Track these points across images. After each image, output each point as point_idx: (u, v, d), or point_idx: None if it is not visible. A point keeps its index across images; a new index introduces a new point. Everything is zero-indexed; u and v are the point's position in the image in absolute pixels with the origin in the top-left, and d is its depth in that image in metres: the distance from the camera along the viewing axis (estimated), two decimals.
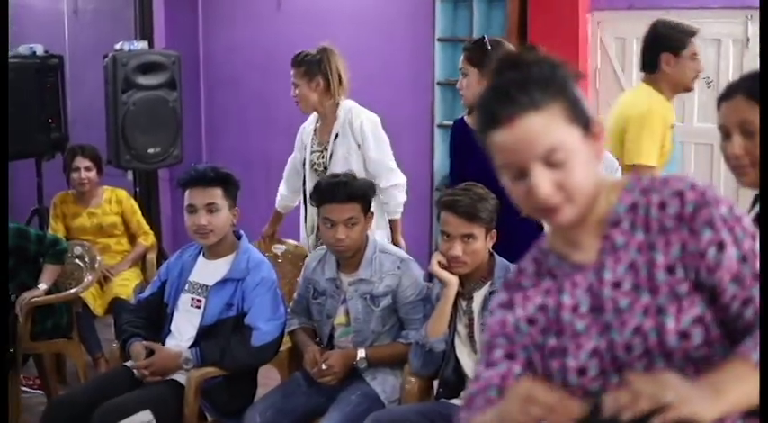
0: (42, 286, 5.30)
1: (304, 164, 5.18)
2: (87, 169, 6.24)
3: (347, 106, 5.05)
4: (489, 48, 4.29)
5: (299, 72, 5.04)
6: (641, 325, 1.77)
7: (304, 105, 5.11)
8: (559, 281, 1.88)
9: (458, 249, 3.66)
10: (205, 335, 4.15)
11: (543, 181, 1.74)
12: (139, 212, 6.43)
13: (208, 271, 4.24)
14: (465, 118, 4.57)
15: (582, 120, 1.78)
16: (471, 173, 3.87)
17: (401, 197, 5.03)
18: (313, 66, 5.01)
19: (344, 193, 4.03)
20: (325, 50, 5.04)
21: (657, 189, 1.80)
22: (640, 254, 1.80)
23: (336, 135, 5.02)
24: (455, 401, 3.76)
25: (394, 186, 4.95)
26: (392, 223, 5.03)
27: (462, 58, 4.42)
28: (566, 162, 1.74)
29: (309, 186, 4.99)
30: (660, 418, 1.56)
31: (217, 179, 4.18)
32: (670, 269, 1.77)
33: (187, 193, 4.20)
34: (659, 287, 1.77)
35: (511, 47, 4.41)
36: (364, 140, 4.95)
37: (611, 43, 6.19)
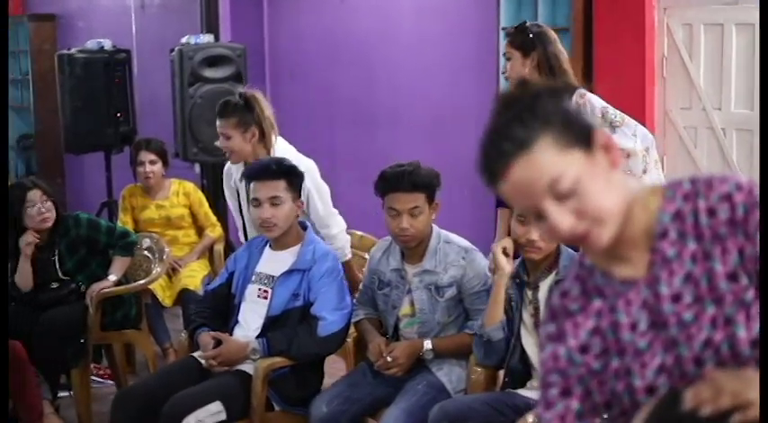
0: (112, 277, 5.37)
1: (240, 210, 4.92)
2: (152, 162, 6.31)
3: (281, 153, 4.71)
4: (530, 31, 4.49)
5: (231, 123, 4.66)
6: (711, 337, 1.71)
7: (236, 158, 4.74)
8: (610, 300, 1.81)
9: (534, 233, 3.63)
10: (272, 325, 4.18)
11: (560, 216, 1.68)
12: (207, 204, 6.49)
13: (274, 262, 4.27)
14: None
15: (580, 139, 1.70)
16: None
17: (347, 238, 4.85)
18: (246, 115, 4.67)
19: (409, 181, 4.03)
20: (254, 97, 4.73)
21: (702, 193, 1.73)
22: (696, 264, 1.73)
23: None
24: (521, 391, 3.75)
25: (341, 231, 4.79)
26: (347, 264, 4.71)
27: (506, 43, 4.54)
28: (575, 189, 1.67)
29: (250, 236, 4.82)
30: (741, 416, 1.52)
31: (280, 172, 4.21)
32: (732, 277, 1.71)
33: (252, 185, 4.23)
34: (723, 296, 1.71)
35: (551, 32, 4.57)
36: (309, 197, 4.63)
37: (678, 30, 6.11)
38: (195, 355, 4.28)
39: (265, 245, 4.35)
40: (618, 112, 4.41)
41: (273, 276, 4.24)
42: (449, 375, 4.05)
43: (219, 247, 6.47)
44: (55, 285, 5.36)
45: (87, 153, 8.03)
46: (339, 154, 7.28)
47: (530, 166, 1.67)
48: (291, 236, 4.27)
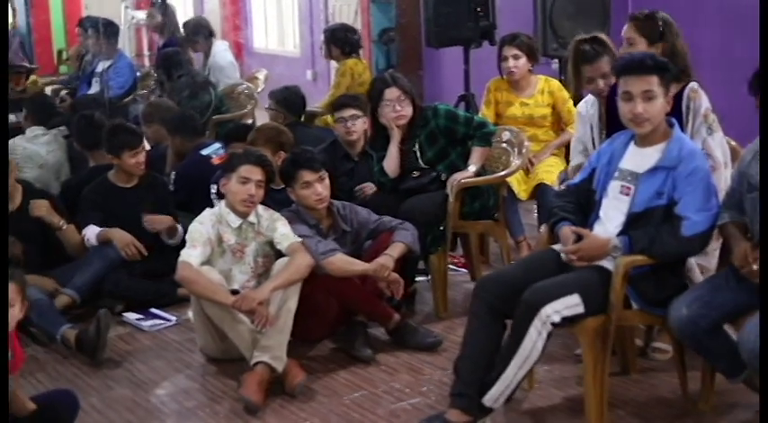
0: (472, 168, 5.49)
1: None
2: (515, 57, 6.36)
3: None
4: (660, 21, 4.83)
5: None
6: None
7: None
8: None
9: None
10: (633, 222, 4.12)
11: None
12: (571, 102, 6.45)
13: (639, 158, 4.19)
14: None
15: None
16: None
17: None
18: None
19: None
20: None
21: None
22: None
23: None
24: None
25: None
26: None
27: (629, 27, 4.88)
28: None
29: None
30: None
31: (655, 67, 4.11)
32: None
33: (621, 80, 4.16)
34: None
35: (676, 24, 4.85)
36: None
37: None
38: (555, 247, 4.30)
39: (630, 141, 4.28)
40: (716, 117, 4.66)
41: (637, 173, 4.16)
42: None
43: None
44: (416, 174, 5.54)
45: (447, 47, 8.18)
46: (704, 56, 7.00)
47: None
48: (658, 133, 4.17)
